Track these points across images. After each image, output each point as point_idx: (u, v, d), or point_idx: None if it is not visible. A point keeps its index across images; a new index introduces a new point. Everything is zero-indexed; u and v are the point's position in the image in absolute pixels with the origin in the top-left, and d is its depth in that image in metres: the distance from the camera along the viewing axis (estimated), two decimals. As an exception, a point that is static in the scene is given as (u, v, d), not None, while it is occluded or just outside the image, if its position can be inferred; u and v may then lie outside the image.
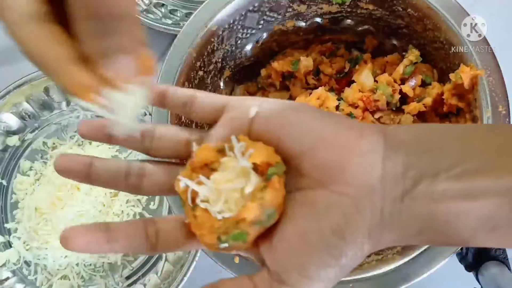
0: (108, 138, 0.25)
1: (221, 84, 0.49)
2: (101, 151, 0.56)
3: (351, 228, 0.20)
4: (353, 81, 0.47)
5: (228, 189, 0.22)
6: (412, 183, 0.20)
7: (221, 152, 0.24)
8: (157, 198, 0.56)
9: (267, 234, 0.23)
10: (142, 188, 0.25)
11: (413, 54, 0.46)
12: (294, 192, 0.22)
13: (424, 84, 0.47)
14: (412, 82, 0.46)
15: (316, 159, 0.22)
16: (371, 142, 0.22)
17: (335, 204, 0.21)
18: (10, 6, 0.18)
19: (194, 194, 0.23)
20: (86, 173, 0.25)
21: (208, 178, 0.23)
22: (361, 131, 0.22)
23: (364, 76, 0.46)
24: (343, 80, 0.49)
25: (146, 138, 0.25)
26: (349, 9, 0.47)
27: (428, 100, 0.44)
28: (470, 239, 0.21)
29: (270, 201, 0.22)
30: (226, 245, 0.22)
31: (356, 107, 0.46)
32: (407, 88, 0.45)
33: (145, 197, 0.55)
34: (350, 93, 0.46)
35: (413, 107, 0.45)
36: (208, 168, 0.24)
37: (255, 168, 0.23)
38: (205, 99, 0.25)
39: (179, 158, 0.26)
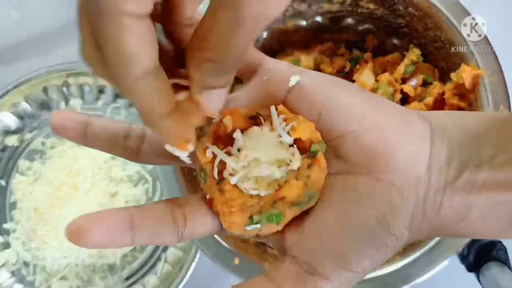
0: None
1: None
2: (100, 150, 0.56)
3: (395, 218, 0.20)
4: (354, 81, 0.47)
5: (266, 164, 0.20)
6: (456, 174, 0.20)
7: (253, 120, 0.21)
8: (156, 198, 0.55)
9: (296, 219, 0.21)
10: (141, 153, 0.23)
11: (414, 54, 0.46)
12: (332, 175, 0.21)
13: (425, 84, 0.46)
14: (413, 82, 0.46)
15: (360, 143, 0.20)
16: (419, 129, 0.21)
17: (381, 193, 0.20)
18: (136, 57, 0.16)
19: (220, 166, 0.21)
20: (82, 132, 0.23)
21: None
22: (407, 116, 0.21)
23: (365, 76, 0.46)
24: (344, 80, 0.49)
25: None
26: (349, 8, 0.47)
27: (429, 100, 0.44)
28: (507, 231, 0.20)
29: (314, 181, 0.20)
30: (256, 226, 0.21)
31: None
32: (408, 88, 0.45)
33: (144, 197, 0.55)
34: (351, 92, 0.46)
35: (414, 106, 0.45)
36: (229, 138, 0.21)
37: (295, 144, 0.21)
38: None
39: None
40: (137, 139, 0.23)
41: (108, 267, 0.54)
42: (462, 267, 0.43)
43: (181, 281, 0.49)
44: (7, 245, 0.54)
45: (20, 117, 0.58)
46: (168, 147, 0.20)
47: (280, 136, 0.20)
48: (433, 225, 0.20)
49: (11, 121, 0.57)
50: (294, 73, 0.21)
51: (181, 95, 0.19)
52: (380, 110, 0.21)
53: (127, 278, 0.53)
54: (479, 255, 0.41)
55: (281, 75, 0.21)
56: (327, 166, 0.21)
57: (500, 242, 0.41)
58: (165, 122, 0.18)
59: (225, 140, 0.21)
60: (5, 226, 0.55)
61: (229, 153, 0.21)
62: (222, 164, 0.21)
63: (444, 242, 0.38)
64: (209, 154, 0.21)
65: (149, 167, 0.56)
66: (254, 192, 0.20)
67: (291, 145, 0.21)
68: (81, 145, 0.58)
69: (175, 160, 0.23)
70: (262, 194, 0.21)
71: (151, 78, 0.17)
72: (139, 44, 0.16)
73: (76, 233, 0.20)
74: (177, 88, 0.19)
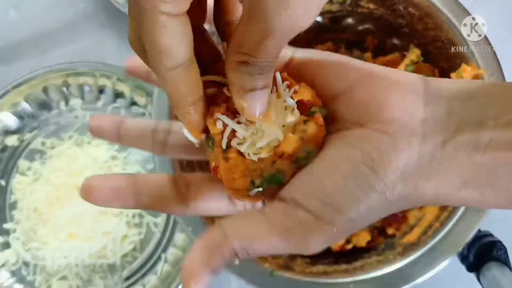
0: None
1: (221, 83, 0.48)
2: (100, 150, 0.56)
3: (384, 163, 0.19)
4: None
5: (271, 127, 0.21)
6: (455, 130, 0.19)
7: None
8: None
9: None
10: (168, 146, 0.25)
11: (414, 54, 0.46)
12: (328, 136, 0.22)
13: (425, 84, 0.46)
14: (413, 82, 0.46)
15: (353, 100, 0.21)
16: (412, 83, 0.21)
17: (371, 137, 0.20)
18: (169, 51, 0.18)
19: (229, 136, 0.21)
20: (116, 132, 0.25)
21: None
22: (399, 73, 0.21)
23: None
24: (344, 80, 0.49)
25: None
26: (349, 8, 0.47)
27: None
28: None
29: (311, 136, 0.21)
30: (258, 190, 0.21)
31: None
32: (408, 88, 0.45)
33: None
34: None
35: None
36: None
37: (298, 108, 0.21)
38: None
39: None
40: (163, 133, 0.25)
41: (108, 267, 0.54)
42: (462, 267, 0.43)
43: (181, 281, 0.49)
44: (7, 245, 0.54)
45: (20, 117, 0.58)
46: (184, 131, 0.22)
47: (285, 102, 0.21)
48: (437, 184, 0.20)
49: (11, 121, 0.57)
50: (287, 49, 0.23)
51: (211, 90, 0.22)
52: (369, 68, 0.21)
53: (127, 278, 0.53)
54: (479, 255, 0.41)
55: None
56: (327, 130, 0.22)
57: (500, 242, 0.41)
58: (188, 110, 0.21)
59: (234, 110, 0.22)
60: (5, 226, 0.55)
61: (237, 122, 0.22)
62: (231, 133, 0.21)
63: (445, 242, 0.38)
64: (220, 126, 0.21)
65: (149, 166, 0.56)
66: (255, 158, 0.21)
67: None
68: (81, 145, 0.58)
69: (199, 153, 0.24)
70: (263, 156, 0.21)
71: (181, 70, 0.19)
72: (172, 40, 0.18)
73: (87, 190, 0.22)
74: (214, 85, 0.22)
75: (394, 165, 0.19)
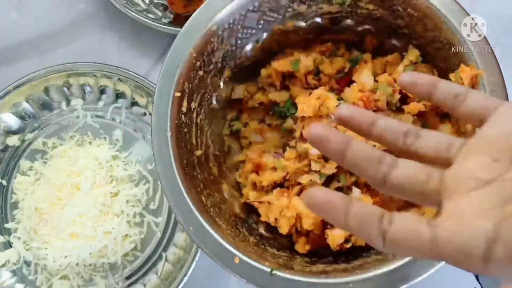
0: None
1: (221, 84, 0.49)
2: (101, 150, 0.56)
3: None
4: (353, 81, 0.47)
5: None
6: None
7: None
8: (157, 198, 0.56)
9: None
10: (388, 181, 0.24)
11: (412, 54, 0.46)
12: None
13: (424, 84, 0.46)
14: (412, 82, 0.46)
15: None
16: None
17: None
18: None
19: None
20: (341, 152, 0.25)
21: None
22: None
23: (364, 76, 0.46)
24: (343, 80, 0.49)
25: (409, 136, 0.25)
26: (349, 9, 0.47)
27: (428, 100, 0.44)
28: None
29: None
30: None
31: (356, 107, 0.46)
32: (407, 88, 0.45)
33: (145, 197, 0.55)
34: (350, 93, 0.46)
35: (413, 107, 0.45)
36: None
37: None
38: (476, 95, 0.25)
39: (438, 163, 0.24)
40: (387, 166, 0.24)
41: (109, 266, 0.54)
42: (461, 267, 0.43)
43: (181, 280, 0.50)
44: (8, 245, 0.55)
45: (21, 117, 0.58)
46: None
47: None
48: None
49: (12, 121, 0.58)
50: None
51: None
52: None
53: (127, 277, 0.54)
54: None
55: None
56: None
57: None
58: None
59: None
60: (6, 225, 0.55)
61: None
62: None
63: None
64: None
65: (150, 167, 0.56)
66: None
67: None
68: (82, 145, 0.58)
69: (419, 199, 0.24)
70: None
71: None
72: None
73: (308, 199, 0.23)
74: None
75: None
